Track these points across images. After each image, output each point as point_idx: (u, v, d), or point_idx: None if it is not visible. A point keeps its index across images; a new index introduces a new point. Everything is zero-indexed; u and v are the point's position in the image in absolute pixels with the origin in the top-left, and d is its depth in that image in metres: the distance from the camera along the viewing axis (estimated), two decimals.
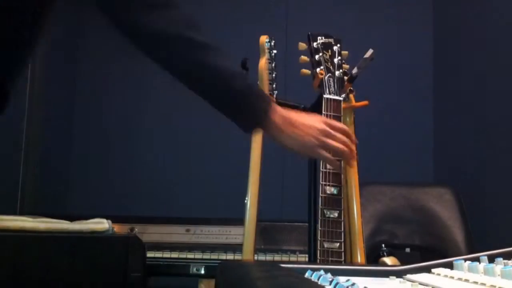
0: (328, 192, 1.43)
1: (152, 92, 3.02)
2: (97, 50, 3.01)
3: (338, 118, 1.50)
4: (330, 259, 1.38)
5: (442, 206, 2.36)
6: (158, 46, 1.23)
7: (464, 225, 2.31)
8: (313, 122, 1.35)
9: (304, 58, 1.64)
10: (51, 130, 2.87)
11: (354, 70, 1.60)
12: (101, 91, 3.16)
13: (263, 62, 1.80)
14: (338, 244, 1.40)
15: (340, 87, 1.56)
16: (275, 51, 1.83)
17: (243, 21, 3.15)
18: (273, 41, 1.83)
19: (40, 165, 2.70)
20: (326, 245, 1.39)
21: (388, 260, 1.69)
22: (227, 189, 2.98)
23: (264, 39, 1.82)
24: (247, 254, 1.76)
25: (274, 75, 1.81)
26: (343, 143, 1.37)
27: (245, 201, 1.78)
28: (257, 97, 1.30)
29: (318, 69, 1.56)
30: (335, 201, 1.43)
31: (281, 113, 1.32)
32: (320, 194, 1.43)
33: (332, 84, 1.55)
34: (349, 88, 1.62)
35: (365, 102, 1.73)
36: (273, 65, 1.82)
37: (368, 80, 1.73)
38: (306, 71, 1.64)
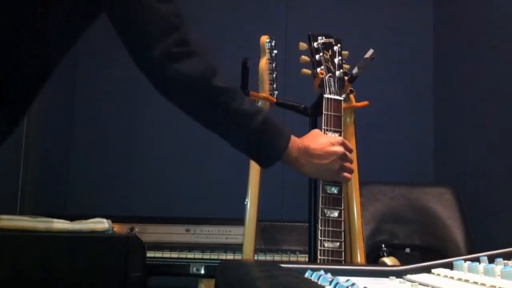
0: (328, 191, 1.43)
1: (152, 92, 3.02)
2: (97, 50, 3.01)
3: (338, 118, 1.50)
4: (330, 258, 1.37)
5: (442, 206, 2.36)
6: (182, 93, 1.26)
7: (464, 225, 2.31)
8: (331, 148, 1.39)
9: (304, 58, 1.64)
10: (51, 130, 2.87)
11: (355, 70, 1.60)
12: (101, 91, 3.16)
13: (263, 62, 1.80)
14: (338, 243, 1.40)
15: (341, 87, 1.56)
16: (275, 51, 1.83)
17: (243, 21, 3.15)
18: (274, 41, 1.84)
19: (40, 165, 2.70)
20: (326, 244, 1.39)
21: (388, 260, 1.69)
22: (227, 189, 2.98)
23: (264, 39, 1.82)
24: (247, 254, 1.76)
25: (274, 75, 1.81)
26: (351, 161, 1.44)
27: (245, 202, 1.78)
28: (274, 135, 1.33)
29: (318, 69, 1.56)
30: (335, 201, 1.43)
31: (298, 145, 1.36)
32: (320, 194, 1.44)
33: (332, 84, 1.55)
34: (350, 88, 1.62)
35: (365, 103, 1.73)
36: (274, 65, 1.82)
37: (368, 80, 1.73)
38: (306, 71, 1.64)
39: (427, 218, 2.34)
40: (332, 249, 1.39)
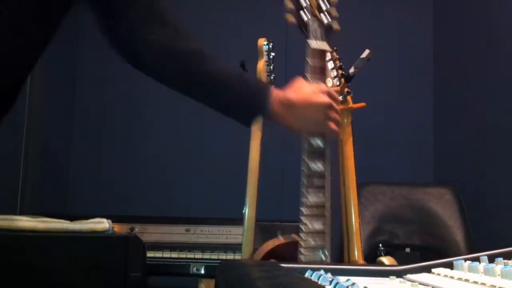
0: (311, 142, 1.33)
1: (152, 92, 3.02)
2: (97, 49, 3.00)
3: (323, 68, 1.39)
4: (314, 213, 1.32)
5: (442, 206, 2.36)
6: (154, 58, 1.25)
7: (464, 225, 2.31)
8: (315, 98, 1.30)
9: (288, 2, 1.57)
10: (51, 130, 2.87)
11: (351, 70, 1.60)
12: (101, 91, 3.16)
13: (261, 64, 1.80)
14: (322, 196, 1.33)
15: (325, 35, 1.45)
16: (273, 54, 1.83)
17: (243, 22, 3.15)
18: (271, 44, 1.84)
19: (40, 165, 2.70)
20: (310, 198, 1.34)
21: (386, 259, 1.69)
22: (227, 189, 2.98)
23: (262, 41, 1.82)
24: (246, 254, 1.76)
25: (272, 77, 1.81)
26: (337, 111, 1.34)
27: (244, 208, 1.78)
28: (255, 92, 1.29)
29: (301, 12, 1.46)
30: (319, 153, 1.33)
31: (280, 98, 1.29)
32: (304, 146, 1.35)
33: (318, 30, 1.44)
34: (347, 89, 1.62)
35: (362, 104, 1.73)
36: (271, 67, 1.82)
37: (368, 80, 1.74)
38: (290, 17, 1.49)
39: (427, 218, 2.34)
40: (316, 203, 1.33)
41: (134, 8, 1.22)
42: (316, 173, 1.33)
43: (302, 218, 1.34)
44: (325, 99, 1.30)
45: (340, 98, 1.56)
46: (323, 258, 1.30)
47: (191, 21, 1.29)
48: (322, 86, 1.34)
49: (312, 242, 1.32)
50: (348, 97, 1.70)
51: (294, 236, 1.56)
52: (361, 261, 1.62)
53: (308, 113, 1.30)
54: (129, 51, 1.26)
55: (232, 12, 3.18)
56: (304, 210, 1.33)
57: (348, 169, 1.67)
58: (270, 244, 1.74)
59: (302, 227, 1.33)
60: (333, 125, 1.32)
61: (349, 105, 1.72)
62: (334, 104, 1.33)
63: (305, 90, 1.31)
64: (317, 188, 1.33)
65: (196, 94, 1.29)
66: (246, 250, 1.78)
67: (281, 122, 1.31)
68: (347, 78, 1.59)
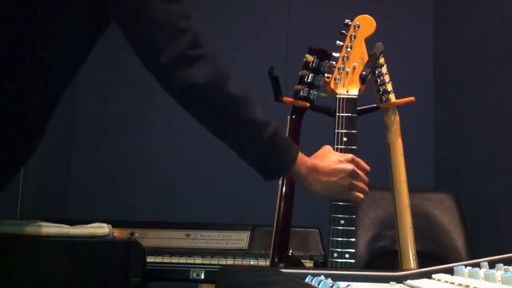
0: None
1: (154, 97, 3.02)
2: (97, 50, 3.01)
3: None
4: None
5: (443, 211, 2.36)
6: (193, 99, 1.23)
7: (464, 230, 2.31)
8: (339, 165, 1.35)
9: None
10: (51, 134, 2.86)
11: (363, 70, 1.58)
12: (102, 96, 3.17)
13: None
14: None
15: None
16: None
17: (244, 28, 3.16)
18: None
19: (40, 170, 2.70)
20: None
21: None
22: (228, 195, 2.98)
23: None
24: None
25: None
26: (364, 181, 1.40)
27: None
28: (283, 148, 1.30)
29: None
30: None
31: (307, 163, 1.33)
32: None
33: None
34: (385, 87, 1.61)
35: (410, 98, 1.69)
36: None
37: (368, 81, 1.73)
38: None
39: (428, 223, 2.34)
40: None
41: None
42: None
43: None
44: (349, 166, 1.36)
45: (383, 98, 1.57)
46: None
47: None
48: (347, 155, 1.39)
49: None
50: (391, 95, 1.68)
51: None
52: (415, 266, 1.60)
53: (331, 179, 1.34)
54: (169, 88, 1.24)
55: (233, 16, 3.19)
56: None
57: (398, 176, 1.63)
58: None
59: None
60: (357, 193, 1.38)
61: (392, 101, 1.67)
62: (360, 173, 1.38)
63: (330, 157, 1.36)
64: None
65: (228, 138, 1.30)
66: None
67: (304, 186, 1.35)
68: (361, 79, 1.57)
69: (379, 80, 1.68)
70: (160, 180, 3.06)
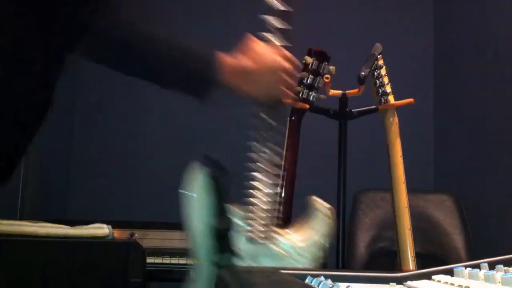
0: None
1: (154, 97, 3.03)
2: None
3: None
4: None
5: (443, 212, 2.36)
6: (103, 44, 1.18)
7: (464, 231, 2.31)
8: (269, 60, 1.24)
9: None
10: (51, 134, 2.87)
11: (362, 71, 1.58)
12: (102, 97, 3.17)
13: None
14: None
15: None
16: None
17: (244, 28, 3.15)
18: None
19: (40, 170, 2.70)
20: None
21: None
22: None
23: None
24: None
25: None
26: (294, 77, 1.30)
27: None
28: (203, 66, 1.21)
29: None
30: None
31: (234, 66, 1.22)
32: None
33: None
34: (384, 89, 1.61)
35: (409, 100, 1.70)
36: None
37: (366, 85, 1.74)
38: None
39: (428, 225, 2.34)
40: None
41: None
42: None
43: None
44: (279, 62, 1.24)
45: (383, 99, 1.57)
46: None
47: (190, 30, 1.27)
48: (275, 47, 1.27)
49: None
50: (390, 96, 1.68)
51: None
52: (413, 268, 1.60)
53: (263, 78, 1.24)
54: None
55: (229, 17, 3.19)
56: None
57: (397, 177, 1.63)
58: None
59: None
60: (287, 90, 1.27)
61: (391, 103, 1.67)
62: (289, 67, 1.26)
63: (258, 52, 1.24)
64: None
65: (143, 75, 1.24)
66: None
67: (235, 90, 1.23)
68: (359, 80, 1.57)
69: (378, 82, 1.68)
70: (160, 180, 3.06)
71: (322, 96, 1.70)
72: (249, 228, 1.34)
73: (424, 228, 2.32)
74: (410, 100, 1.68)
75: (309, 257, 1.35)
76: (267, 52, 1.25)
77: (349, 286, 0.72)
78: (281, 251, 1.33)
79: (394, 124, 1.67)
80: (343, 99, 1.78)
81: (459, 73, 2.91)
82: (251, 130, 1.34)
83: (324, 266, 2.23)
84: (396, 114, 1.68)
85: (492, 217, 2.43)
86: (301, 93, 1.68)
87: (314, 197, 1.42)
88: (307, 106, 1.70)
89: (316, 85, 1.69)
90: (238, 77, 1.22)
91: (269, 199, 1.34)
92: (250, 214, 1.34)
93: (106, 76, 3.10)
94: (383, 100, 1.67)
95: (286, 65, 1.25)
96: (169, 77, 1.23)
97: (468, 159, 2.71)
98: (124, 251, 1.68)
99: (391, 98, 1.68)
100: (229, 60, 1.23)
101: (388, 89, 1.67)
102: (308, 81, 1.68)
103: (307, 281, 0.80)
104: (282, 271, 0.90)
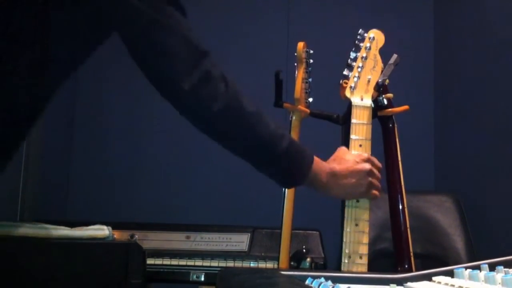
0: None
1: (153, 100, 3.02)
2: (98, 54, 3.01)
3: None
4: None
5: (443, 214, 2.36)
6: (213, 123, 1.24)
7: (464, 233, 2.30)
8: (356, 166, 1.37)
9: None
10: (51, 136, 2.87)
11: (380, 79, 1.59)
12: (102, 97, 3.17)
13: (301, 71, 1.73)
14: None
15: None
16: (311, 60, 1.77)
17: (244, 27, 3.16)
18: (310, 50, 1.76)
19: (40, 172, 2.70)
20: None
21: None
22: (228, 196, 2.98)
23: (301, 46, 1.73)
24: (282, 262, 1.76)
25: (308, 83, 1.77)
26: (379, 178, 1.42)
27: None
28: (300, 158, 1.30)
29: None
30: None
31: (326, 170, 1.34)
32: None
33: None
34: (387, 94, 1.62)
35: (405, 107, 1.71)
36: (308, 74, 1.77)
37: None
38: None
39: (428, 226, 2.33)
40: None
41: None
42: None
43: None
44: (366, 166, 1.38)
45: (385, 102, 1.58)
46: None
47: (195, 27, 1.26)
48: (362, 154, 1.41)
49: None
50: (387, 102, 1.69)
51: None
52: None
53: (350, 181, 1.36)
54: (187, 114, 1.26)
55: (232, 18, 3.19)
56: None
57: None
58: None
59: None
60: (374, 192, 1.41)
61: (388, 110, 1.68)
62: (375, 171, 1.40)
63: (348, 159, 1.38)
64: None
65: (244, 153, 1.30)
66: (282, 258, 1.76)
67: (324, 192, 1.36)
68: (376, 87, 1.58)
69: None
70: (160, 182, 3.06)
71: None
72: None
73: (424, 229, 2.32)
74: (405, 107, 1.70)
75: None
76: (355, 158, 1.39)
77: (349, 287, 0.72)
78: None
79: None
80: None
81: (459, 73, 2.91)
82: None
83: (324, 267, 2.24)
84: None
85: (492, 218, 2.43)
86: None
87: None
88: (308, 111, 1.72)
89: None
90: (329, 180, 1.34)
91: None
92: None
93: (106, 77, 3.12)
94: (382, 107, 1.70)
95: (372, 169, 1.40)
96: (269, 164, 1.30)
97: (469, 160, 2.70)
98: (124, 252, 1.67)
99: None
100: (322, 163, 1.35)
101: (389, 95, 1.69)
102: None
103: (307, 282, 0.80)
104: (283, 272, 0.90)
